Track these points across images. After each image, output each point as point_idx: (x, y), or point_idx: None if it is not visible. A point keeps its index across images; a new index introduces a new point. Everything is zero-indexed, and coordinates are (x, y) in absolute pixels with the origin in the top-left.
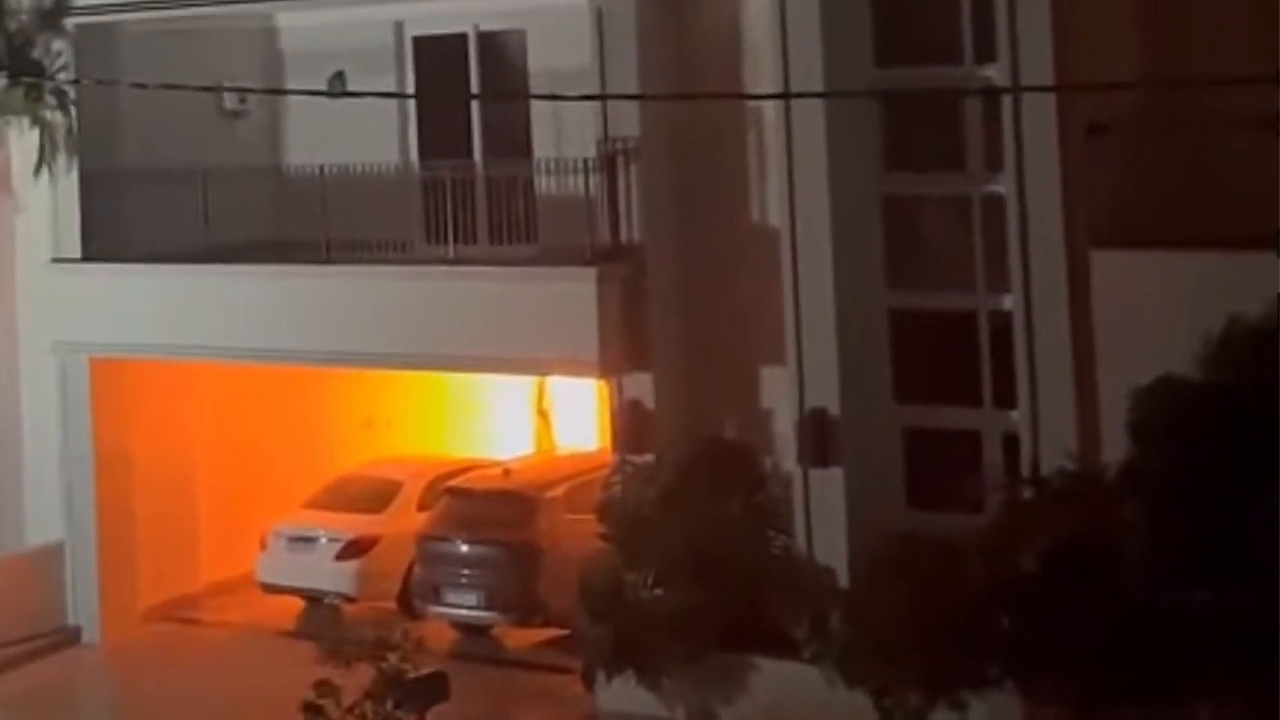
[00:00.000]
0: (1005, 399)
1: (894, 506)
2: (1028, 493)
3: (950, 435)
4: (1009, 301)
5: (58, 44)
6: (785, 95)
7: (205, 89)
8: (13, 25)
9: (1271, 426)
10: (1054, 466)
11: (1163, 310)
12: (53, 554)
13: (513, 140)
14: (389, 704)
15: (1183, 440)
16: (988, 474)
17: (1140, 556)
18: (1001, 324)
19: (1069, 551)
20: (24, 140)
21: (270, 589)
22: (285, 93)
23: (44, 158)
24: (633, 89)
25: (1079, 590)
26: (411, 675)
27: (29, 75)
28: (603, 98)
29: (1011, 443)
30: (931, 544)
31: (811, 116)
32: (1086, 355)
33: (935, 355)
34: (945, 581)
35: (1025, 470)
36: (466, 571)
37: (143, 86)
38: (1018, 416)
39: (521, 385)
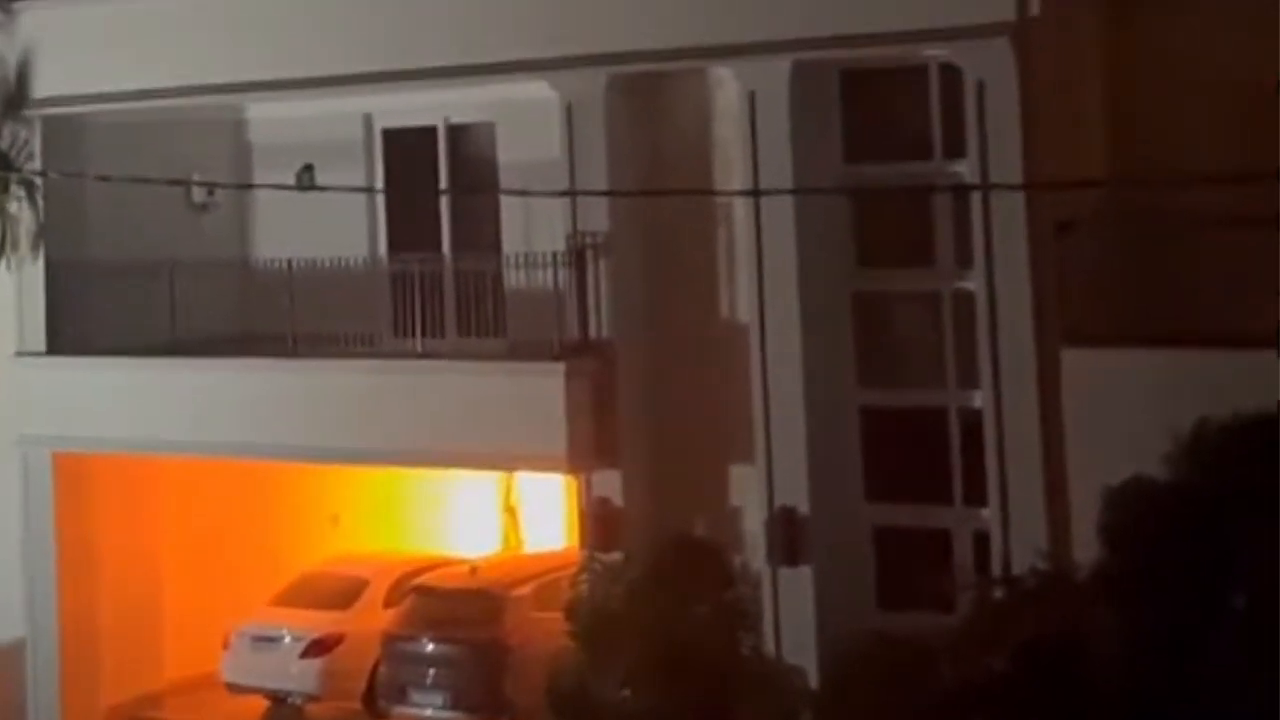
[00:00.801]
0: (976, 496)
1: (864, 606)
2: (999, 592)
3: (921, 533)
4: (980, 398)
5: (22, 132)
6: (755, 192)
7: (172, 182)
8: None
9: (1243, 529)
10: (1025, 564)
11: (1133, 407)
12: (14, 651)
13: (482, 233)
14: None
15: (1153, 543)
16: (958, 573)
17: (1112, 658)
18: (972, 421)
19: (1040, 651)
20: None
21: (235, 688)
22: (253, 186)
23: (6, 249)
24: (602, 183)
25: (1050, 690)
26: None
27: None
28: (571, 194)
29: (982, 540)
30: (902, 643)
31: (781, 212)
32: (1057, 452)
33: (906, 452)
34: (916, 681)
35: (996, 568)
36: (433, 671)
37: (108, 179)
38: (988, 514)
39: (489, 481)
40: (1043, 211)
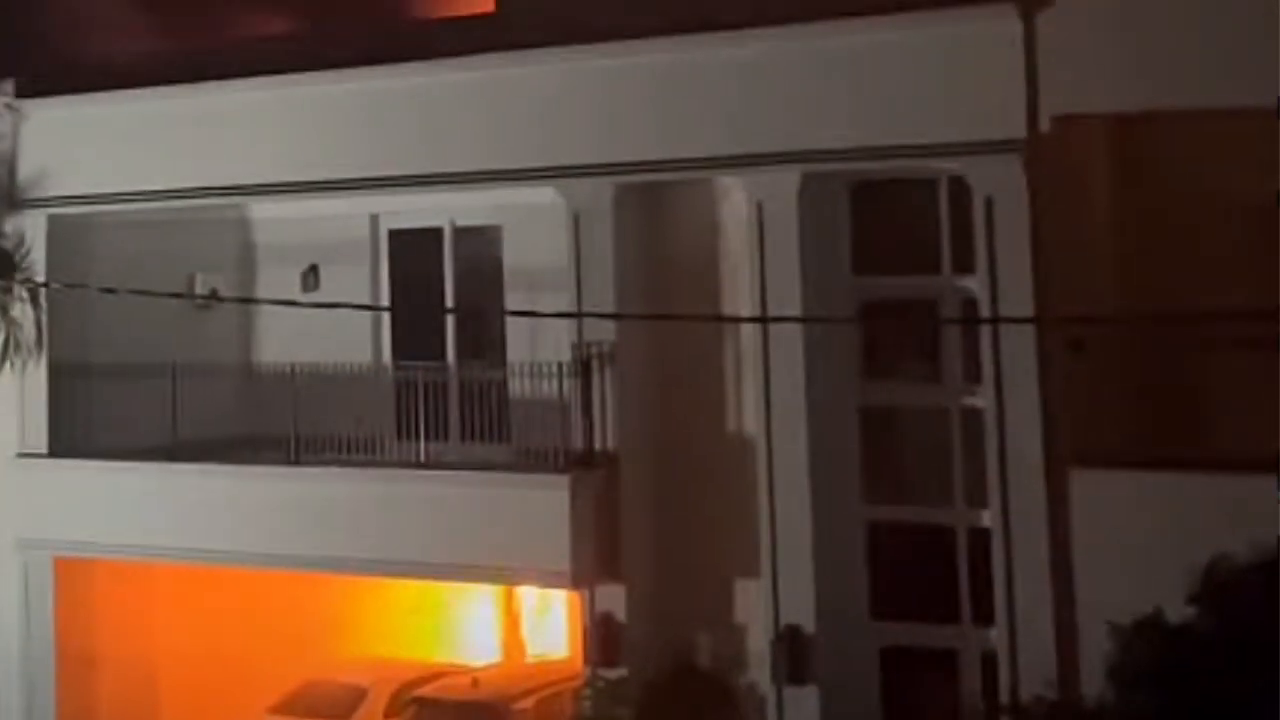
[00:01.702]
0: (984, 616)
1: None
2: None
3: (927, 652)
4: (988, 517)
5: (24, 230)
6: (763, 319)
7: (174, 295)
8: None
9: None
10: (1032, 688)
11: (1142, 529)
12: None
13: (487, 340)
14: None
15: (1165, 688)
16: (965, 701)
17: None
18: (981, 540)
19: None
20: None
21: None
22: (256, 302)
23: (8, 353)
24: (609, 291)
25: None
26: None
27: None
28: (579, 315)
29: (990, 661)
30: None
31: (788, 325)
32: (1066, 574)
33: (913, 571)
34: None
35: (1004, 691)
36: None
37: (112, 292)
38: (995, 636)
39: (490, 588)
40: (1054, 330)
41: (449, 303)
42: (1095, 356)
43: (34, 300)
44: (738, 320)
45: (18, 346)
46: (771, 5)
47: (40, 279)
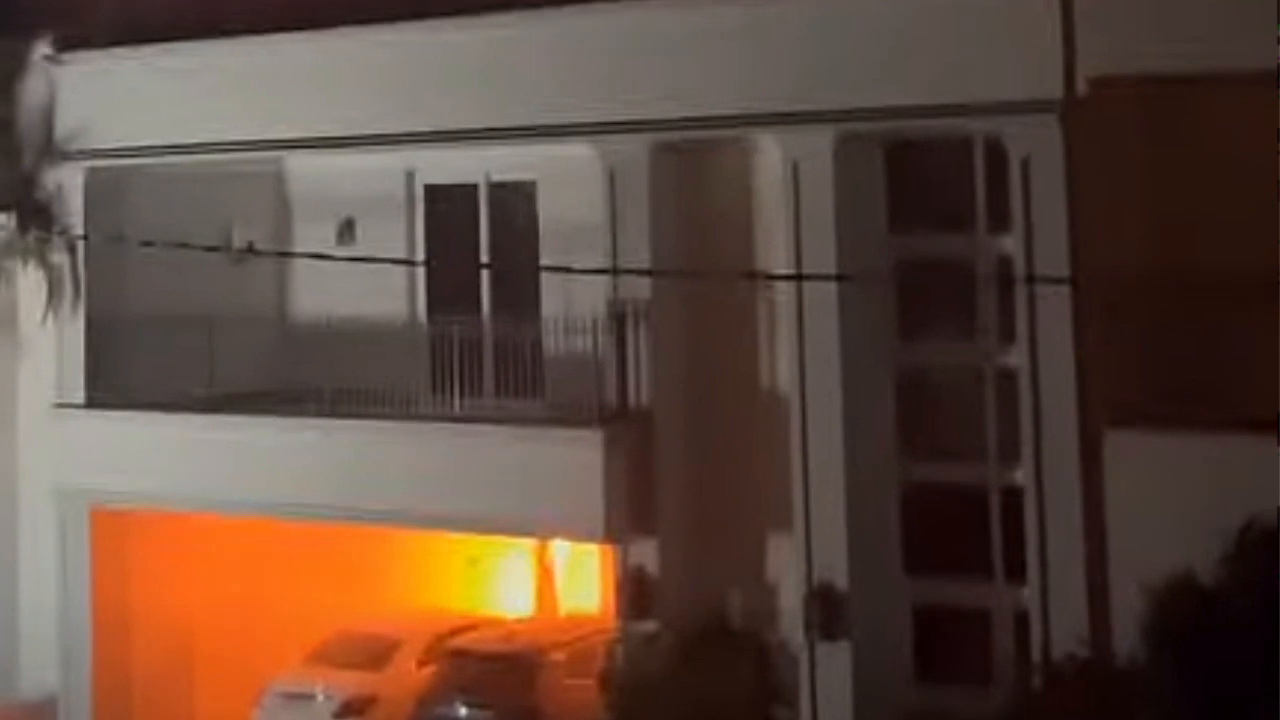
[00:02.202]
0: (1016, 573)
1: (902, 682)
2: (1038, 677)
3: (960, 609)
4: (1021, 475)
5: (65, 182)
6: (798, 277)
7: (211, 248)
8: (22, 168)
9: None
10: (1065, 644)
11: (1175, 491)
12: (47, 707)
13: (521, 295)
14: None
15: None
16: (997, 652)
17: None
18: (1014, 498)
19: None
20: (30, 283)
21: None
22: (293, 255)
23: (49, 302)
24: (644, 248)
25: None
26: None
27: (38, 225)
28: (613, 272)
29: (1022, 618)
30: None
31: (823, 284)
32: (1098, 533)
33: (946, 528)
34: None
35: (1036, 648)
36: None
37: (150, 245)
38: (1028, 594)
39: (524, 543)
40: (1089, 290)
41: (483, 258)
42: (1129, 317)
43: (71, 252)
44: (773, 278)
45: (56, 296)
46: None
47: (78, 231)
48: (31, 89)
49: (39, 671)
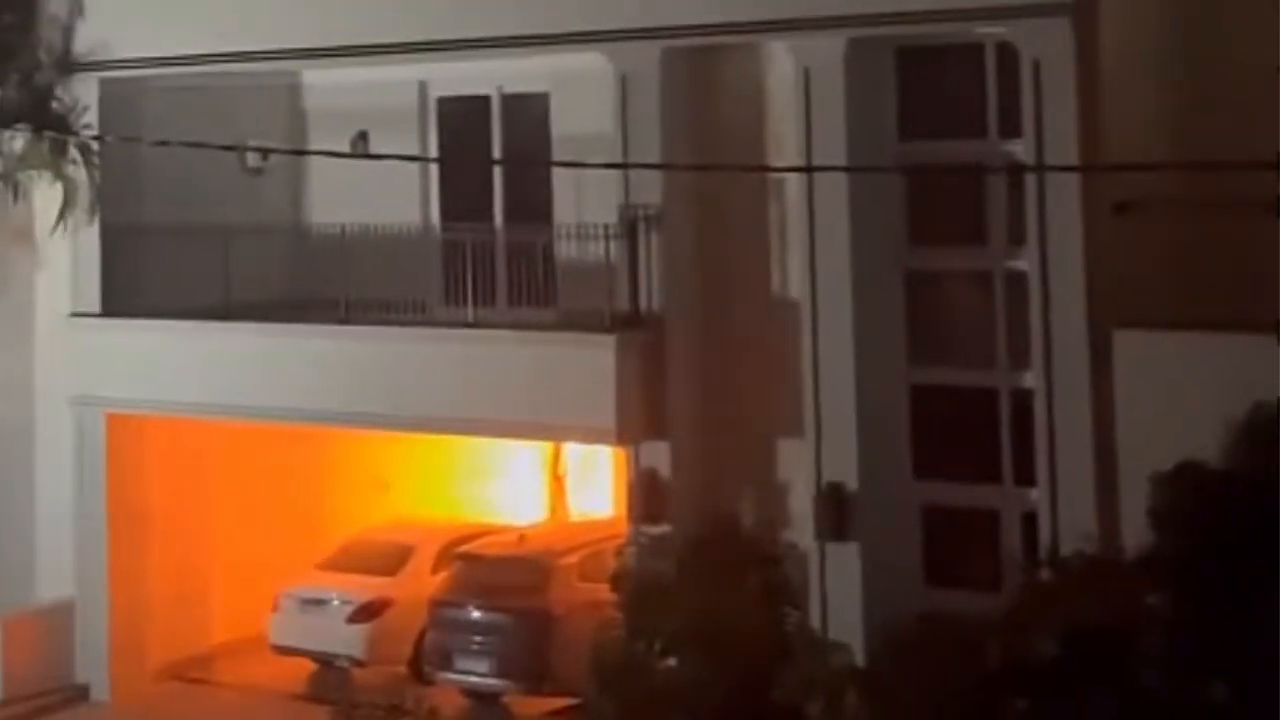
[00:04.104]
0: (1025, 476)
1: (911, 583)
2: (1046, 574)
3: (969, 511)
4: (1031, 378)
5: (81, 95)
6: (808, 169)
7: (227, 148)
8: (37, 79)
9: None
10: (1073, 546)
11: (1185, 391)
12: (63, 610)
13: (534, 203)
14: None
15: (1203, 529)
16: (1005, 553)
17: (1158, 645)
18: (1023, 401)
19: (1086, 636)
20: (46, 194)
21: (282, 650)
22: (307, 153)
23: (65, 213)
24: (655, 155)
25: (1095, 676)
26: None
27: (53, 130)
28: (624, 166)
29: (1030, 521)
30: (948, 622)
31: (834, 189)
32: (1107, 434)
33: (955, 431)
34: (962, 660)
35: (1044, 549)
36: (478, 638)
37: (165, 144)
38: (1036, 496)
39: (536, 449)
40: (1098, 192)
41: (496, 171)
42: (1138, 218)
43: (87, 161)
44: (782, 170)
45: (71, 206)
46: None
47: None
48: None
49: (56, 576)
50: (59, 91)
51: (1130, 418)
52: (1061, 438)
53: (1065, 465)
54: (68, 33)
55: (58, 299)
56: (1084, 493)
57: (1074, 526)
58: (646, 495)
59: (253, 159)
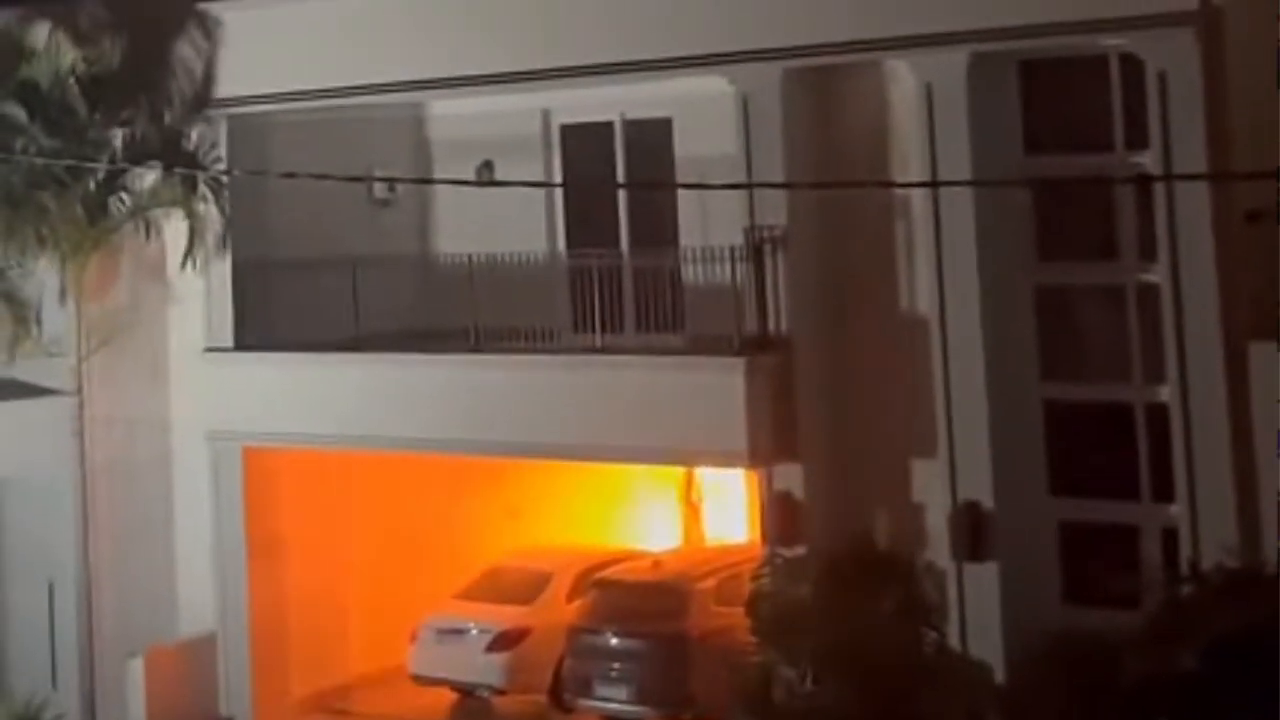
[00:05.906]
0: (1163, 492)
1: (1049, 601)
2: (1187, 589)
3: (1105, 528)
4: (1165, 392)
5: (209, 133)
6: (934, 184)
7: (353, 179)
8: (167, 117)
9: None
10: (1213, 560)
11: None
12: (205, 644)
13: (659, 228)
14: None
15: None
16: (1145, 569)
17: None
18: (1158, 415)
19: (1229, 650)
20: (177, 230)
21: (421, 680)
22: (433, 181)
23: (193, 249)
24: (779, 176)
25: (1239, 691)
26: None
27: (184, 167)
28: (749, 186)
29: (1170, 536)
30: (1089, 639)
31: (961, 205)
32: (1245, 448)
33: (1090, 447)
34: (1103, 678)
35: (1184, 565)
36: (617, 664)
37: (292, 176)
38: (1176, 511)
39: (668, 475)
40: (1229, 201)
41: (621, 197)
42: (1271, 226)
43: (217, 199)
44: (908, 185)
45: (200, 241)
46: None
47: (222, 181)
48: (181, 40)
49: (197, 610)
50: (188, 129)
51: (1267, 429)
52: (1199, 452)
53: (1204, 479)
54: (197, 72)
55: (190, 334)
56: (1224, 506)
57: (1214, 540)
58: (780, 518)
59: (379, 190)
